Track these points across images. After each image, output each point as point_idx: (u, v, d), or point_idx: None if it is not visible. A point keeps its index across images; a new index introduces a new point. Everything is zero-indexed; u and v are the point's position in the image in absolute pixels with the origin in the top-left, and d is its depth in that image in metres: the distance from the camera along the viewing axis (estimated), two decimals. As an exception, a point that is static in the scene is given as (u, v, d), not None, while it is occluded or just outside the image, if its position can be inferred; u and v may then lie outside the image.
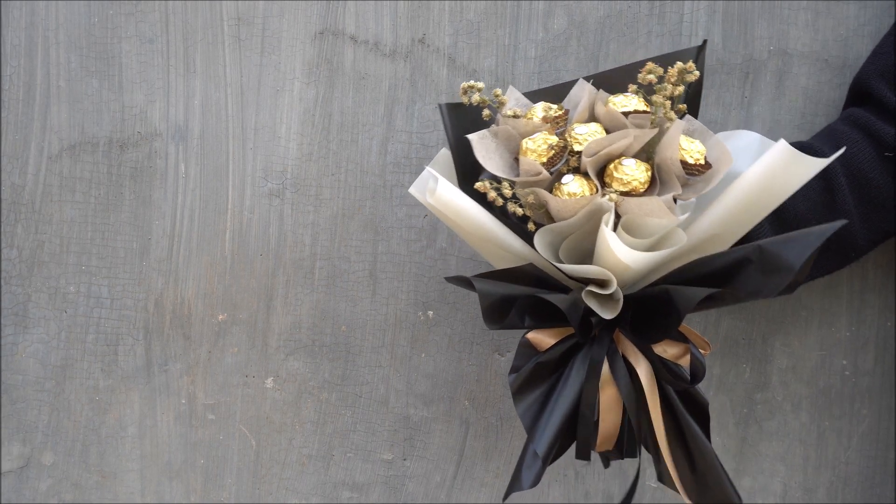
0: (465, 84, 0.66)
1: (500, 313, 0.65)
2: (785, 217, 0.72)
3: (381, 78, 0.87)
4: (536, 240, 0.65)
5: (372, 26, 0.87)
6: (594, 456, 0.86)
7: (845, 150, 0.71)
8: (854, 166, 0.72)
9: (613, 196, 0.62)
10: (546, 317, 0.67)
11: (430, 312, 0.89)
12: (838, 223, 0.57)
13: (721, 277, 0.62)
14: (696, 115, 0.71)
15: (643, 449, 0.74)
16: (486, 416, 0.91)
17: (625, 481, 0.90)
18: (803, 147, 0.74)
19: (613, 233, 0.61)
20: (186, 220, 0.89)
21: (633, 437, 0.72)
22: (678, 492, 0.71)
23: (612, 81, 0.69)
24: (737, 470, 0.89)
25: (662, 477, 0.72)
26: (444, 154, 0.74)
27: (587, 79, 0.70)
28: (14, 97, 0.88)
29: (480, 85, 0.66)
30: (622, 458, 0.74)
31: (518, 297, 0.65)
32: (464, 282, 0.66)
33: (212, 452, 0.92)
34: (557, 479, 0.91)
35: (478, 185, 0.65)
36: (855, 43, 0.84)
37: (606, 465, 0.75)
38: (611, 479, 0.90)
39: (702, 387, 0.89)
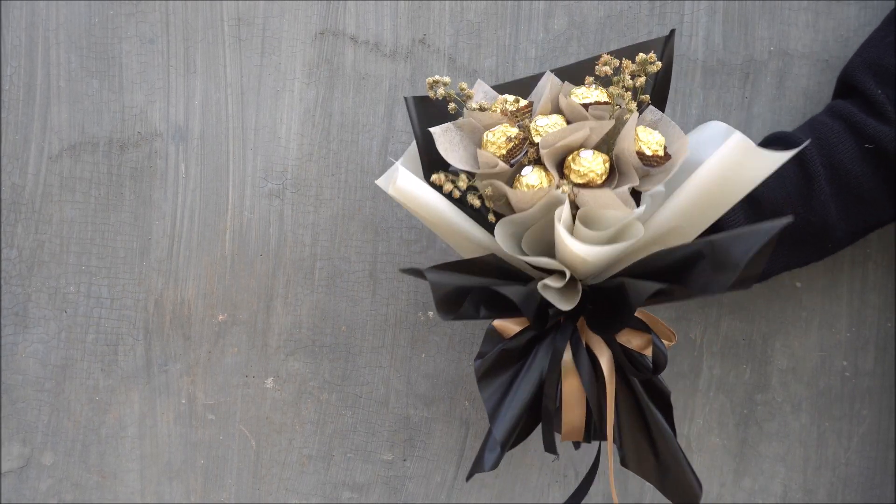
0: (430, 79, 0.68)
1: (454, 304, 0.65)
2: (760, 205, 0.72)
3: (382, 78, 0.87)
4: (497, 231, 0.66)
5: (372, 26, 0.87)
6: (596, 459, 0.86)
7: (825, 141, 0.71)
8: (834, 157, 0.71)
9: (566, 188, 0.62)
10: (502, 308, 0.67)
11: (431, 313, 0.89)
12: (783, 221, 0.56)
13: (676, 271, 0.62)
14: (662, 107, 0.71)
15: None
16: (486, 416, 0.91)
17: (625, 483, 0.90)
18: (783, 137, 0.74)
19: (565, 229, 0.62)
20: (187, 220, 0.89)
21: (597, 434, 0.74)
22: (642, 476, 0.73)
23: (578, 74, 0.70)
24: (737, 471, 0.89)
25: (626, 461, 0.73)
26: (414, 148, 0.74)
27: (554, 71, 0.70)
28: (14, 97, 0.88)
29: (446, 80, 0.68)
30: (588, 443, 0.75)
31: (472, 288, 0.65)
32: (417, 273, 0.65)
33: (212, 453, 0.92)
34: (558, 479, 0.91)
35: (434, 177, 0.65)
36: (855, 43, 0.83)
37: (577, 447, 0.77)
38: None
39: (702, 387, 0.89)
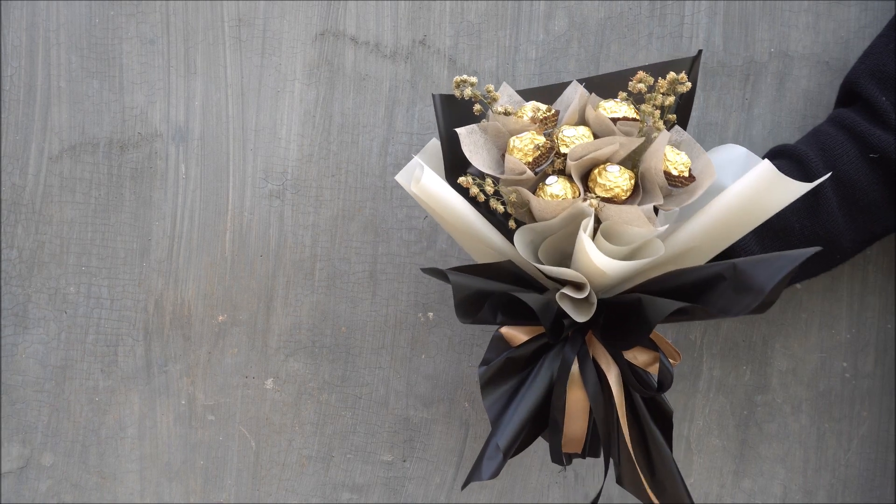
0: (457, 78, 0.68)
1: (473, 307, 0.65)
2: (769, 220, 0.72)
3: (382, 79, 0.87)
4: (516, 238, 0.66)
5: (373, 27, 0.87)
6: (592, 459, 0.86)
7: (830, 152, 0.72)
8: (839, 168, 0.71)
9: (594, 202, 0.62)
10: (519, 314, 0.67)
11: (430, 314, 0.89)
12: (812, 249, 0.57)
13: (695, 291, 0.62)
14: (685, 126, 0.71)
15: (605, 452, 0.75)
16: (486, 417, 0.91)
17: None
18: (788, 150, 0.74)
19: (590, 239, 0.62)
20: (187, 220, 0.89)
21: (596, 438, 0.73)
22: (636, 495, 0.72)
23: (605, 86, 0.70)
24: (736, 472, 0.89)
25: (622, 480, 0.72)
26: (435, 144, 0.74)
27: (581, 81, 0.70)
28: (15, 98, 0.88)
29: (473, 80, 0.68)
30: (584, 458, 0.74)
31: (492, 292, 0.65)
32: (439, 274, 0.66)
33: (211, 453, 0.92)
34: (557, 481, 0.91)
35: (461, 179, 0.65)
36: (856, 45, 0.84)
37: (569, 462, 0.76)
38: (610, 481, 0.90)
39: (702, 388, 0.89)
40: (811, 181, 0.71)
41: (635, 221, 0.63)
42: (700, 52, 0.71)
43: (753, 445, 0.89)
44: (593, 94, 0.68)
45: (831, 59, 0.84)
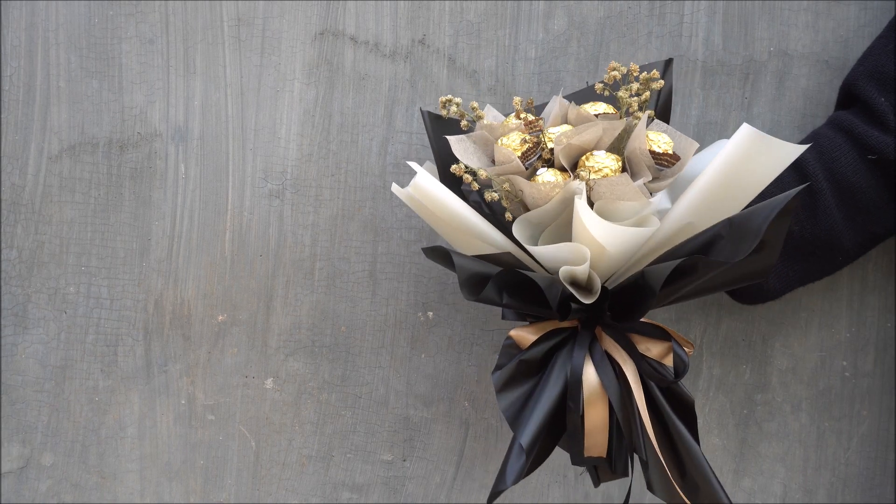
0: (442, 98, 0.72)
1: (478, 285, 0.66)
2: None
3: (382, 79, 0.87)
4: (515, 229, 0.67)
5: (372, 27, 0.87)
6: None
7: (828, 154, 0.72)
8: (837, 170, 0.72)
9: (584, 174, 0.64)
10: (524, 296, 0.67)
11: (430, 313, 0.89)
12: (802, 186, 0.59)
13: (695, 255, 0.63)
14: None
15: (634, 457, 0.74)
16: (486, 417, 0.91)
17: (624, 482, 0.90)
18: None
19: (584, 204, 0.62)
20: (186, 220, 0.89)
21: (622, 453, 0.72)
22: (666, 499, 0.70)
23: (583, 97, 0.73)
24: (736, 471, 0.89)
25: (652, 486, 0.71)
26: (430, 166, 0.77)
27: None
28: (14, 98, 0.88)
29: (458, 100, 0.72)
30: (615, 478, 0.73)
31: (497, 272, 0.66)
32: (442, 255, 0.66)
33: (211, 453, 0.92)
34: (557, 480, 0.91)
35: (454, 167, 0.67)
36: (855, 44, 0.84)
37: (597, 484, 0.75)
38: (614, 482, 0.90)
39: (702, 387, 0.89)
40: (810, 184, 0.72)
41: (628, 195, 0.64)
42: (671, 59, 0.74)
43: (753, 444, 0.89)
44: (572, 102, 0.71)
45: (831, 58, 0.84)
